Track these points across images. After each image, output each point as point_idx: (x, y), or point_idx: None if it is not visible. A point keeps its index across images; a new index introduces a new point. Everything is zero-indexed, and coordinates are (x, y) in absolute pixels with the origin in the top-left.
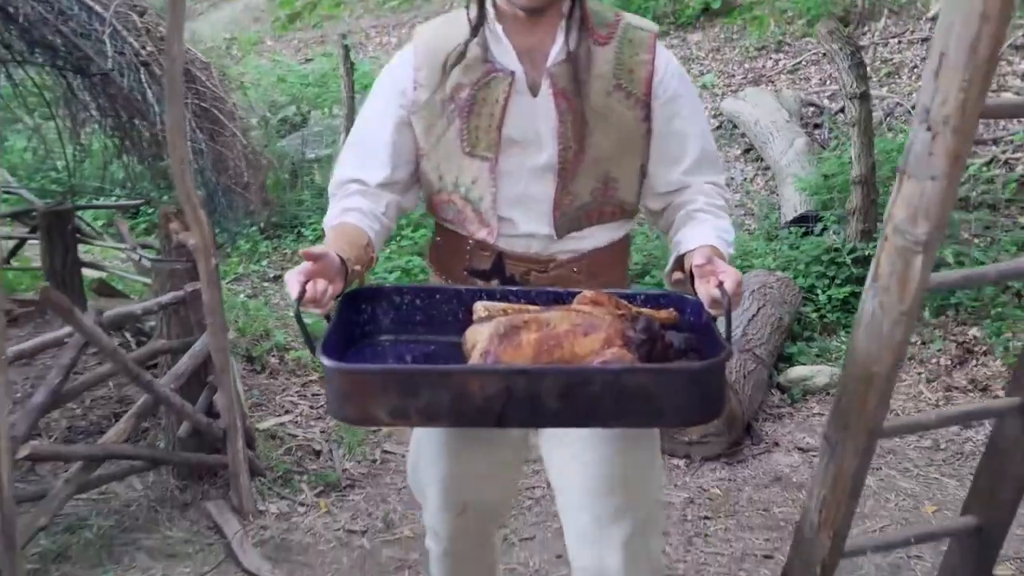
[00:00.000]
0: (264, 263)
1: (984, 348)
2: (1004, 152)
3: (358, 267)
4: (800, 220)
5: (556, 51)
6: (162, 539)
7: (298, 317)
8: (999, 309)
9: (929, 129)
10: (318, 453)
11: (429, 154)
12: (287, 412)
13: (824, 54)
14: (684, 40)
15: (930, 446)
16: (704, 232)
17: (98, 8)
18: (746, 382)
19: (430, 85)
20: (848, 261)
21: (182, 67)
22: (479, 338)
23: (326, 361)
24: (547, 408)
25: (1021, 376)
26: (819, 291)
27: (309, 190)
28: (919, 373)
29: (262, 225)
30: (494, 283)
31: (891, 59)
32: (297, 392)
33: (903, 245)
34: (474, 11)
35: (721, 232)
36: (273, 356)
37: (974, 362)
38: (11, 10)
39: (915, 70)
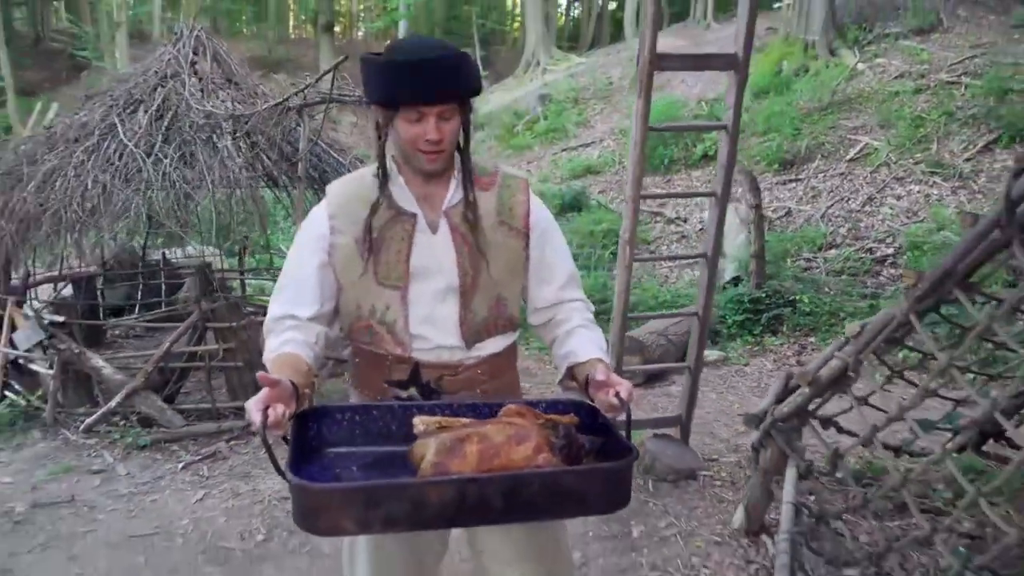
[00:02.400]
0: None
1: (816, 348)
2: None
3: (307, 390)
4: (734, 279)
5: (450, 196)
6: None
7: (264, 443)
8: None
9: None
10: None
11: (347, 288)
12: None
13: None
14: (689, 175)
15: None
16: (588, 348)
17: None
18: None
19: (344, 229)
20: (746, 301)
21: None
22: (426, 451)
23: (298, 482)
24: (494, 508)
25: None
26: (727, 316)
27: None
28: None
29: None
30: (411, 390)
31: (817, 187)
32: None
33: None
34: (379, 171)
35: (600, 344)
36: None
37: (806, 355)
38: (287, 148)
39: (831, 194)
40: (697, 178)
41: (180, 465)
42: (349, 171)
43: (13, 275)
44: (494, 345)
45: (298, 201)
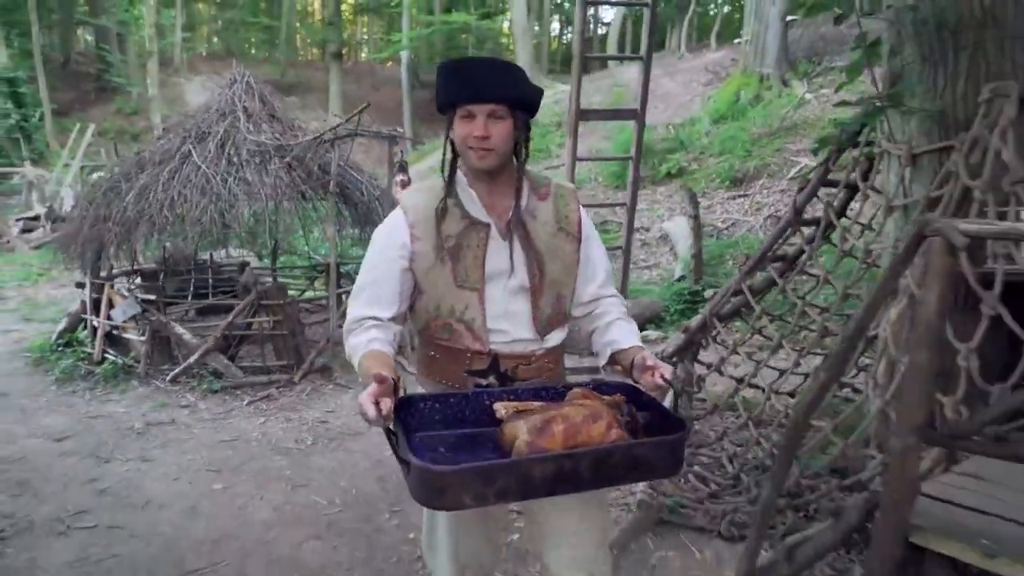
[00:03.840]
0: None
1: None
2: None
3: (399, 383)
4: (681, 277)
5: (514, 206)
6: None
7: (387, 432)
8: None
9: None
10: None
11: (427, 290)
12: None
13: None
14: (655, 190)
15: None
16: (629, 337)
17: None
18: None
19: (424, 237)
20: (686, 293)
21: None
22: (518, 432)
23: (424, 465)
24: (584, 478)
25: None
26: (670, 306)
27: None
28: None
29: None
30: (491, 379)
31: (760, 201)
32: None
33: None
34: (447, 180)
35: (637, 333)
36: None
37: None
38: (315, 170)
39: (771, 207)
40: (661, 193)
41: (245, 402)
42: (365, 185)
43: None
44: (557, 336)
45: (330, 210)
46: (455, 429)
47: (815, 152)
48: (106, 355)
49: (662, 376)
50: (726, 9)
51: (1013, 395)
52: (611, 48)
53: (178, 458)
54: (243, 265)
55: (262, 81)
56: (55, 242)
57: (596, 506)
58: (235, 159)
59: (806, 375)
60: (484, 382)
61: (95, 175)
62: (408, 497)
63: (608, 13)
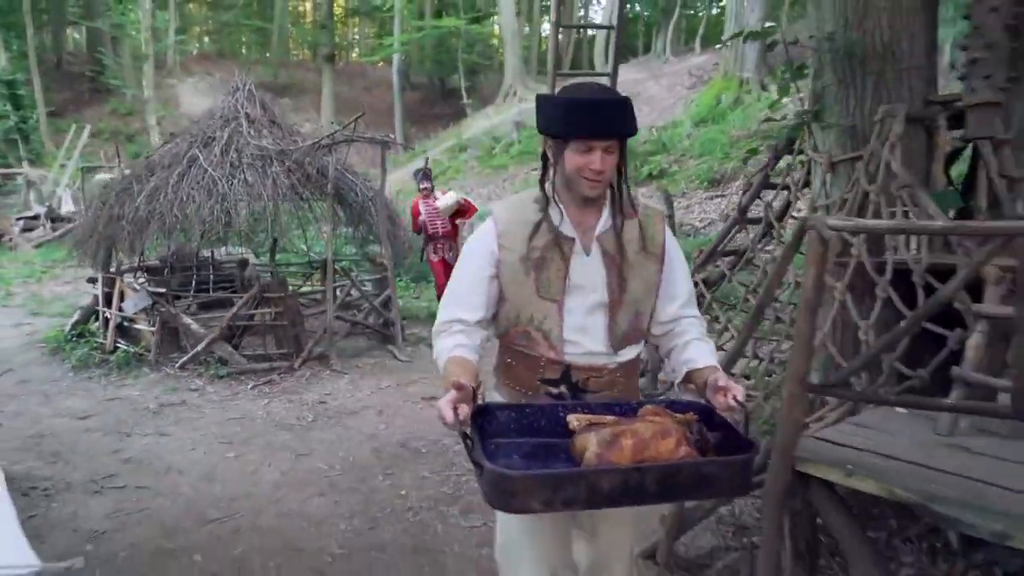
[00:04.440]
0: None
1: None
2: None
3: (479, 390)
4: None
5: (602, 223)
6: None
7: (463, 436)
8: None
9: None
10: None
11: (510, 298)
12: None
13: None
14: (636, 191)
15: None
16: (706, 357)
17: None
18: None
19: (512, 247)
20: None
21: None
22: (588, 444)
23: (499, 470)
24: (648, 492)
25: None
26: None
27: None
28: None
29: None
30: (562, 388)
31: (736, 201)
32: None
33: None
34: (543, 196)
35: (714, 354)
36: None
37: None
38: (313, 170)
39: None
40: (642, 194)
41: (249, 386)
42: (359, 187)
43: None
44: (631, 352)
45: (327, 210)
46: (530, 438)
47: (744, 161)
48: (117, 345)
49: (734, 397)
50: (713, 11)
51: (867, 353)
52: (599, 51)
53: (191, 433)
54: (243, 262)
55: (255, 83)
56: (70, 239)
57: (641, 521)
58: (238, 163)
59: (758, 357)
60: (556, 391)
61: (98, 176)
62: (400, 463)
63: (598, 14)
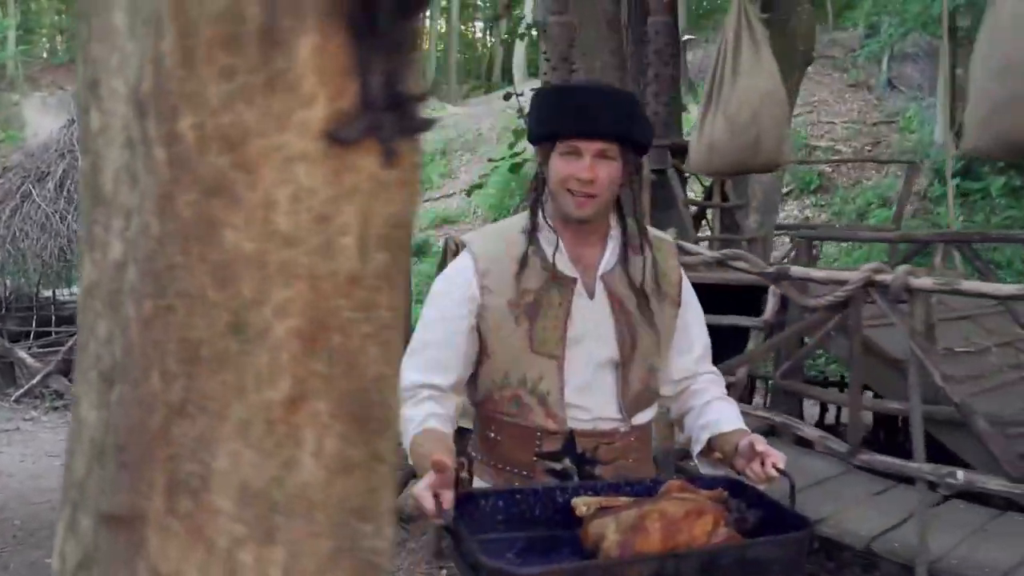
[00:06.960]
0: None
1: None
2: None
3: (461, 472)
4: None
5: (606, 259)
6: None
7: (449, 528)
8: None
9: None
10: None
11: (497, 354)
12: None
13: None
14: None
15: None
16: (732, 419)
17: None
18: None
19: (496, 290)
20: None
21: None
22: (605, 530)
23: (510, 570)
24: None
25: None
26: None
27: None
28: None
29: None
30: (565, 462)
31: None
32: None
33: None
34: (530, 223)
35: (740, 416)
36: None
37: None
38: None
39: None
40: None
41: None
42: None
43: None
44: (645, 416)
45: None
46: (523, 532)
47: None
48: None
49: (774, 465)
50: None
51: None
52: (517, 64)
53: (23, 450)
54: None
55: None
56: None
57: None
58: (75, 197)
59: None
60: (559, 466)
61: None
62: None
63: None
